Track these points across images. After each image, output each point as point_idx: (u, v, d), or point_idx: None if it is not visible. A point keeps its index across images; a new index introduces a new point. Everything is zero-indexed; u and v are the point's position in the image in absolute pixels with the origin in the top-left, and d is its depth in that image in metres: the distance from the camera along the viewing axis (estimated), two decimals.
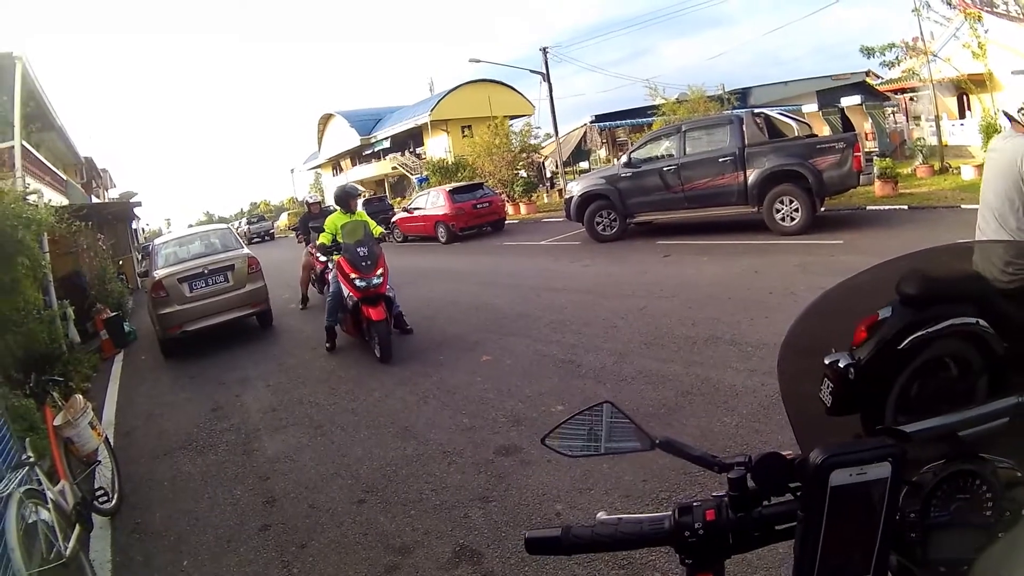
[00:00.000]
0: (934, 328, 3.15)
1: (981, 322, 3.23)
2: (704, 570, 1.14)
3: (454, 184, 26.75)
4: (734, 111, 19.95)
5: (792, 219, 13.79)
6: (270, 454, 6.13)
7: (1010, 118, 4.43)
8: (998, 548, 1.00)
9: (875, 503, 1.00)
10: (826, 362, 3.27)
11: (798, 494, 1.10)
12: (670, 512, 1.16)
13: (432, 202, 24.54)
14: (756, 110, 17.30)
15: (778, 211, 13.93)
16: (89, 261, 15.64)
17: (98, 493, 5.17)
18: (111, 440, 6.39)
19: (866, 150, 23.28)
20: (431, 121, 47.34)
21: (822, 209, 14.64)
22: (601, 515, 1.22)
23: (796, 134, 15.58)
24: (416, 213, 24.84)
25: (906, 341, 3.11)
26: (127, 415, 8.14)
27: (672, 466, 4.40)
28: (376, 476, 5.31)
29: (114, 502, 5.38)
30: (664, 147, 16.10)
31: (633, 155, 16.70)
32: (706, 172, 14.91)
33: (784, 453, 1.14)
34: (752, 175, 14.23)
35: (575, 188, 17.61)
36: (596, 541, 1.19)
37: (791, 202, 13.76)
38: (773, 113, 16.57)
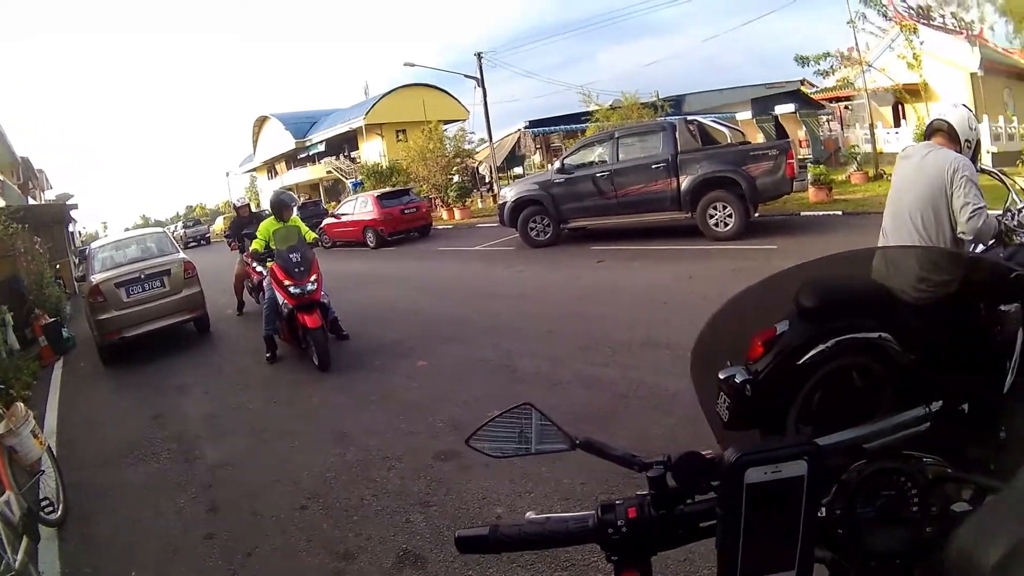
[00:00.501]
0: (834, 342, 3.24)
1: (884, 335, 3.32)
2: (630, 567, 1.15)
3: (382, 190, 26.89)
4: (667, 118, 20.14)
5: (726, 225, 13.91)
6: (211, 461, 6.09)
7: (942, 132, 4.48)
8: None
9: (793, 500, 1.01)
10: (721, 377, 3.34)
11: (717, 494, 1.10)
12: (594, 511, 1.17)
13: (360, 207, 24.54)
14: (689, 117, 17.54)
15: (711, 217, 14.04)
16: (27, 265, 15.11)
17: (43, 503, 5.06)
18: (54, 449, 6.26)
19: (800, 157, 23.74)
20: (366, 125, 46.87)
21: (756, 215, 14.77)
22: (530, 514, 1.26)
23: (729, 141, 15.80)
24: (344, 219, 24.61)
25: (805, 356, 3.19)
26: (69, 423, 7.97)
27: (611, 468, 4.51)
28: (317, 482, 5.32)
29: (60, 512, 5.27)
30: (597, 153, 16.11)
31: (566, 161, 16.68)
32: (639, 178, 14.95)
33: (705, 452, 1.14)
34: (685, 181, 14.29)
35: (508, 194, 17.52)
36: (523, 539, 1.21)
37: (724, 208, 13.88)
38: (706, 120, 16.81)
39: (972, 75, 22.97)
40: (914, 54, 21.26)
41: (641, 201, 15.05)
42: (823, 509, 1.10)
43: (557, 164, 17.39)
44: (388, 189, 27.06)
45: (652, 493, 1.15)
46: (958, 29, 24.32)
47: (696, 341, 1.63)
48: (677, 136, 14.63)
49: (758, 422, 3.72)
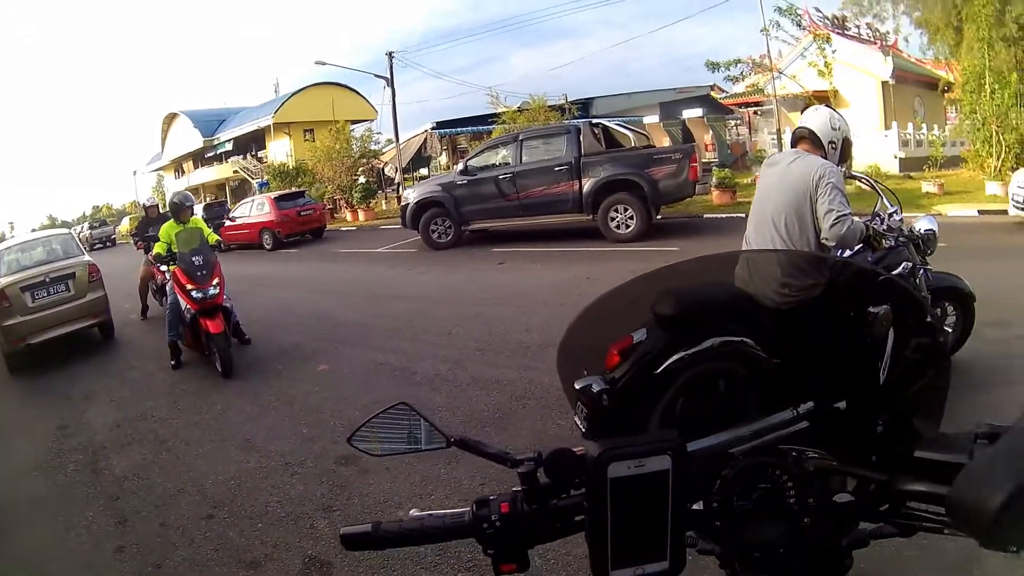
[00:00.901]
0: (694, 351, 3.44)
1: (747, 341, 3.53)
2: (506, 560, 1.15)
3: (278, 192, 26.82)
4: (571, 121, 20.29)
5: (627, 227, 14.16)
6: (118, 472, 6.05)
7: (807, 138, 4.50)
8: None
9: (659, 493, 1.01)
10: (577, 387, 3.55)
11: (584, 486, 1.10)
12: (470, 507, 1.18)
13: (257, 209, 24.57)
14: (594, 120, 17.71)
15: (613, 219, 14.26)
16: None
17: None
18: None
19: (704, 160, 23.84)
20: (274, 124, 45.73)
21: (658, 217, 14.99)
22: (413, 511, 1.33)
23: (633, 144, 16.03)
24: (239, 221, 23.87)
25: (663, 365, 3.41)
26: None
27: (509, 470, 4.70)
28: (222, 490, 5.37)
29: None
30: (501, 155, 16.23)
31: (469, 163, 16.73)
32: (542, 181, 15.05)
33: (576, 449, 1.14)
34: (587, 184, 14.48)
35: (411, 195, 17.48)
36: (404, 535, 1.22)
37: (626, 210, 14.12)
38: (611, 124, 16.98)
39: (884, 83, 23.81)
40: (825, 62, 21.88)
41: (543, 203, 15.17)
42: (701, 502, 1.11)
43: (460, 166, 17.49)
44: (284, 191, 26.93)
45: (524, 488, 1.16)
46: (872, 39, 25.09)
47: (561, 341, 1.65)
48: (581, 139, 14.80)
49: (617, 432, 3.85)
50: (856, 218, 4.37)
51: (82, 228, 50.02)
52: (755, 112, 29.03)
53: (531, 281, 11.61)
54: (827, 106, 4.79)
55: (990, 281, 6.68)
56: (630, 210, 14.10)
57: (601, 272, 11.17)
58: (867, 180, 5.66)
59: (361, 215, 30.18)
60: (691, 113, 29.68)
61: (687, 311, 3.63)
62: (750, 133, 30.51)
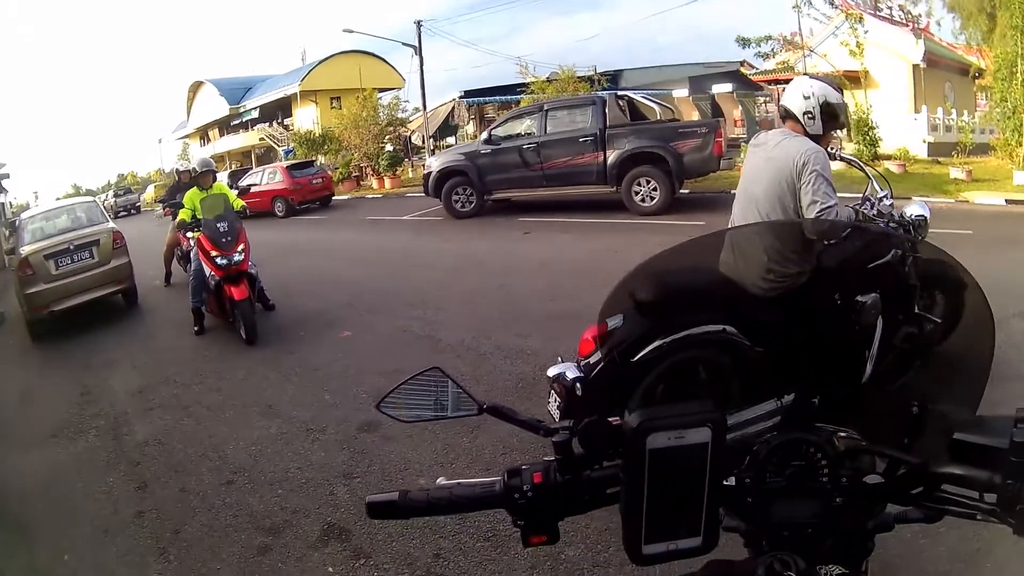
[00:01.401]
0: (672, 339, 3.29)
1: (730, 330, 3.39)
2: (536, 532, 1.15)
3: (290, 161, 27.79)
4: (598, 92, 20.09)
5: (651, 200, 14.03)
6: (139, 438, 6.06)
7: (790, 116, 4.09)
8: None
9: (697, 466, 1.00)
10: (550, 375, 3.42)
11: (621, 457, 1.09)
12: (501, 476, 1.17)
13: (269, 178, 25.14)
14: (620, 92, 17.56)
15: (636, 192, 14.12)
16: None
17: None
18: None
19: (734, 136, 23.97)
20: (300, 91, 45.67)
21: (683, 191, 14.90)
22: (440, 480, 1.31)
23: (659, 117, 15.86)
24: (253, 190, 23.29)
25: (640, 354, 3.23)
26: None
27: (532, 439, 4.62)
28: (243, 456, 5.36)
29: None
30: (525, 125, 16.03)
31: (493, 132, 16.50)
32: (566, 151, 14.90)
33: (611, 419, 1.13)
34: (612, 156, 14.31)
35: (434, 164, 17.34)
36: (432, 504, 1.20)
37: (649, 183, 13.98)
38: (637, 96, 16.87)
39: (915, 67, 23.38)
40: (857, 42, 21.38)
41: (567, 174, 15.04)
42: (733, 478, 1.10)
43: (484, 135, 17.18)
44: (296, 161, 27.72)
45: (558, 459, 1.15)
46: (904, 21, 24.67)
47: (600, 316, 1.69)
48: (607, 110, 14.63)
49: None
50: (847, 207, 4.24)
51: (107, 196, 50.33)
52: (784, 89, 28.62)
53: (556, 251, 11.50)
54: (805, 75, 4.39)
55: (1016, 270, 6.53)
56: (654, 183, 13.95)
57: (628, 244, 11.03)
58: (857, 162, 5.36)
59: (387, 183, 30.08)
60: (720, 88, 29.19)
61: (666, 297, 3.45)
62: (778, 110, 29.95)
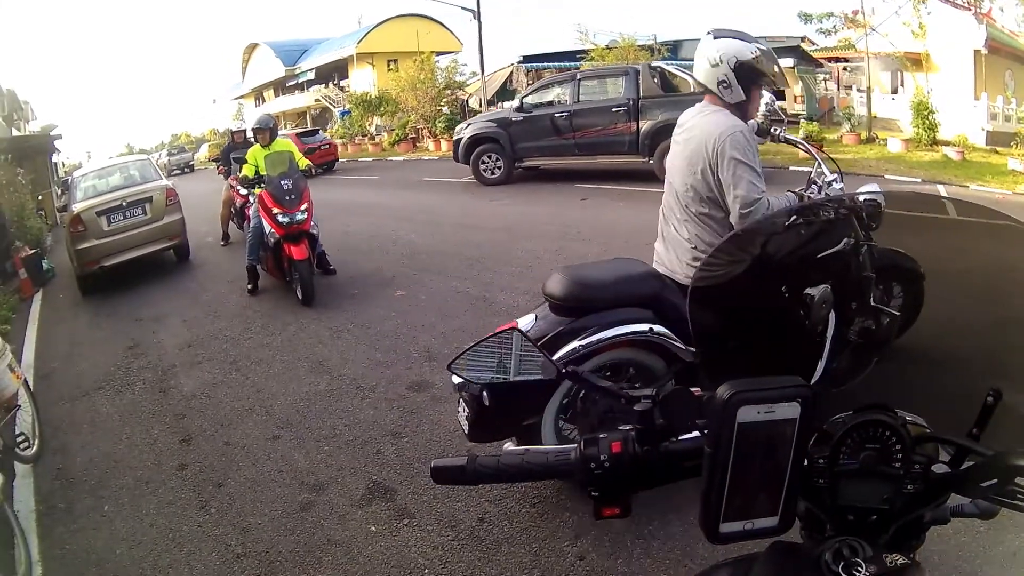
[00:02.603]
0: (589, 341, 3.01)
1: (657, 329, 3.09)
2: (610, 504, 1.14)
3: (299, 130, 30.82)
4: (632, 64, 19.82)
5: None
6: (186, 391, 6.06)
7: (706, 90, 3.48)
8: None
9: (783, 443, 0.99)
10: (456, 381, 3.13)
11: (706, 432, 1.06)
12: (576, 445, 1.15)
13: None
14: (653, 63, 17.34)
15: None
16: (8, 198, 14.88)
17: (19, 439, 4.96)
18: (31, 383, 6.19)
19: (793, 112, 23.78)
20: (357, 54, 46.05)
21: None
22: (508, 445, 1.24)
23: (692, 90, 15.61)
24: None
25: (554, 357, 2.94)
26: (46, 356, 7.90)
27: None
28: (290, 412, 5.32)
29: (35, 448, 5.21)
30: (556, 93, 16.05)
31: (525, 100, 16.59)
32: (599, 120, 14.91)
33: (693, 390, 1.13)
34: (645, 126, 14.31)
35: (465, 130, 17.34)
36: (501, 471, 1.19)
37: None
38: (671, 67, 16.63)
39: (976, 52, 22.65)
40: (920, 23, 20.91)
41: (600, 143, 15.09)
42: (806, 458, 1.06)
43: (515, 102, 17.46)
44: (302, 130, 30.25)
45: (637, 428, 1.13)
46: (966, 5, 23.88)
47: (695, 275, 1.55)
48: (640, 81, 14.58)
49: (505, 431, 3.46)
50: (789, 192, 3.78)
51: (160, 155, 51.18)
52: (844, 68, 28.10)
53: (614, 219, 11.28)
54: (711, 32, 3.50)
55: None
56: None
57: None
58: (802, 144, 4.61)
59: (444, 145, 29.99)
60: (781, 62, 28.44)
61: (581, 295, 3.20)
62: (838, 89, 29.77)
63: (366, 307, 7.66)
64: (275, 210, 7.99)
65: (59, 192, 20.82)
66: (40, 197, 19.99)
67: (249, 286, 8.97)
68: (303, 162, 8.99)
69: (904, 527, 1.09)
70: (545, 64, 34.69)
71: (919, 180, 14.71)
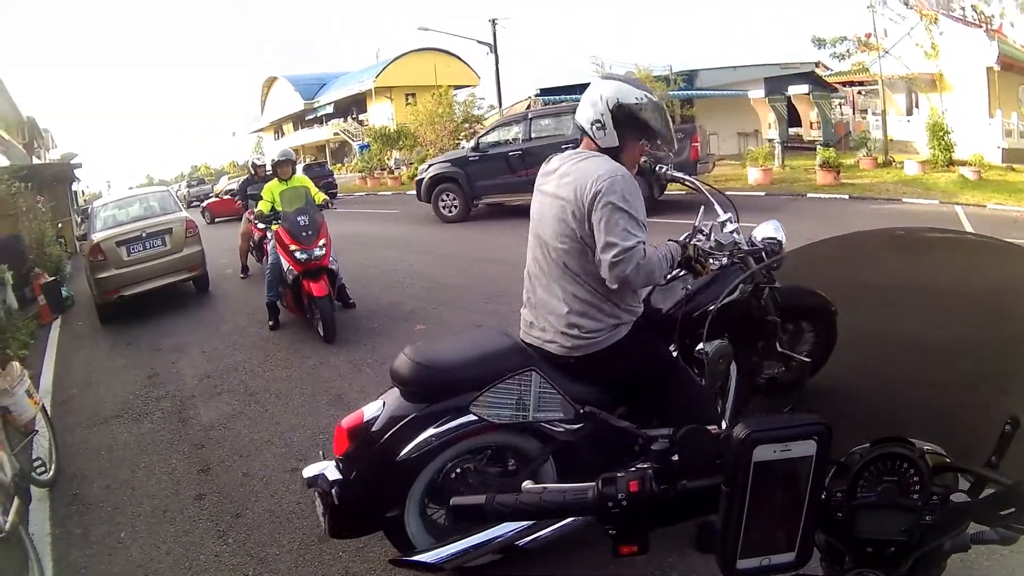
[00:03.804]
0: (443, 429, 2.85)
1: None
2: (628, 542, 1.14)
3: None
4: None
5: None
6: (205, 422, 6.09)
7: (583, 132, 3.17)
8: None
9: (799, 481, 1.00)
10: (306, 476, 3.04)
11: (723, 470, 1.08)
12: (593, 483, 1.16)
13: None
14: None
15: None
16: (28, 224, 15.04)
17: (36, 464, 5.07)
18: (48, 409, 6.25)
19: (809, 139, 23.80)
20: (375, 88, 46.94)
21: (658, 196, 15.11)
22: (527, 484, 1.23)
23: None
24: (225, 197, 27.94)
25: (407, 448, 2.84)
26: (64, 383, 7.96)
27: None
28: (309, 444, 5.31)
29: (52, 473, 5.27)
30: (512, 132, 16.83)
31: (481, 140, 17.49)
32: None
33: (710, 428, 1.16)
34: None
35: (427, 171, 18.20)
36: (519, 510, 1.21)
37: None
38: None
39: (988, 69, 22.73)
40: (932, 43, 21.03)
41: None
42: (824, 491, 1.08)
43: (472, 143, 18.35)
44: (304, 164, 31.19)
45: (655, 467, 1.15)
46: (977, 22, 23.99)
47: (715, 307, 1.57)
48: None
49: (367, 526, 3.24)
50: (672, 241, 3.33)
51: (180, 186, 51.67)
52: (859, 92, 28.26)
53: None
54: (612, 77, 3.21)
55: None
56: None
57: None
58: (690, 181, 4.26)
59: None
60: (796, 89, 28.88)
61: (432, 379, 2.94)
62: (853, 113, 30.13)
63: (386, 341, 7.65)
64: (292, 247, 7.98)
65: (79, 221, 21.06)
66: (60, 225, 20.22)
67: (270, 323, 8.94)
68: (319, 196, 9.02)
69: (924, 557, 1.11)
70: (563, 96, 34.77)
71: (936, 201, 14.80)
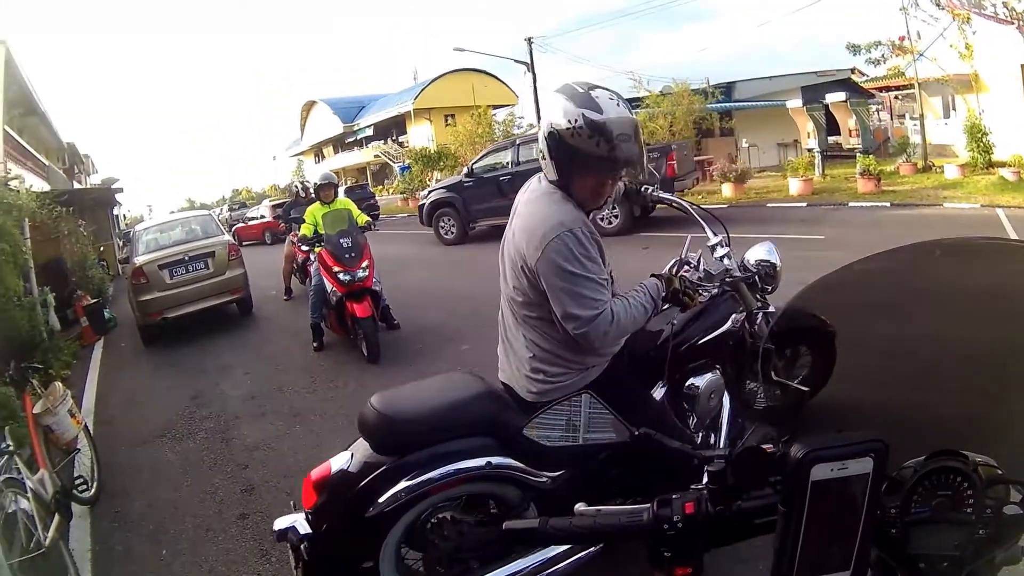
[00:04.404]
0: (416, 482, 2.70)
1: (495, 462, 2.68)
2: (683, 563, 1.14)
3: (276, 200, 33.99)
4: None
5: (613, 221, 15.06)
6: (249, 442, 6.10)
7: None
8: None
9: (856, 498, 0.99)
10: (276, 528, 2.91)
11: (778, 488, 1.09)
12: (649, 505, 1.16)
13: (260, 214, 33.76)
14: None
15: (601, 216, 14.43)
16: (70, 247, 15.38)
17: (77, 482, 5.13)
18: (91, 428, 6.35)
19: (848, 147, 23.42)
20: (414, 109, 47.34)
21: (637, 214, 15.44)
22: (580, 506, 1.24)
23: None
24: (251, 223, 33.67)
25: (378, 502, 2.71)
26: (107, 403, 8.06)
27: None
28: None
29: (93, 491, 5.32)
30: (501, 158, 17.96)
31: (474, 166, 18.60)
32: None
33: (764, 446, 1.14)
34: None
35: (428, 196, 19.54)
36: (573, 533, 1.19)
37: (613, 208, 14.35)
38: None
39: (1023, 67, 22.37)
40: (966, 43, 20.81)
41: None
42: (878, 508, 1.06)
43: (466, 169, 19.42)
44: (278, 200, 32.47)
45: (710, 487, 1.15)
46: (1009, 19, 23.66)
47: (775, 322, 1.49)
48: None
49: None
50: (652, 278, 2.91)
51: (222, 210, 52.54)
52: (896, 97, 27.97)
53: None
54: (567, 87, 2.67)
55: None
56: (615, 206, 14.22)
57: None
58: (678, 203, 3.75)
59: None
60: (834, 97, 28.46)
61: (398, 431, 2.78)
62: (891, 118, 29.89)
63: (432, 361, 7.62)
64: (335, 268, 8.06)
65: (121, 244, 21.43)
66: (102, 248, 20.67)
67: (314, 344, 8.98)
68: (362, 218, 9.11)
69: (975, 569, 1.08)
70: None
71: (977, 205, 14.56)
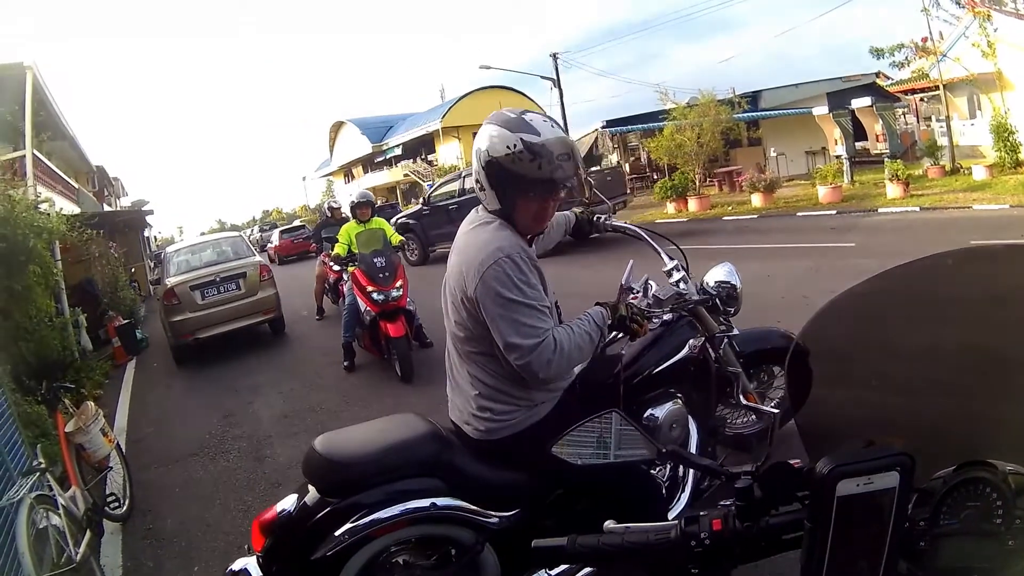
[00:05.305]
0: (360, 524, 2.63)
1: (441, 503, 2.59)
2: None
3: (285, 225, 40.91)
4: None
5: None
6: (282, 461, 6.10)
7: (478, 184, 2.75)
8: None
9: (883, 513, 1.01)
10: (229, 570, 2.86)
11: (805, 503, 1.11)
12: (676, 522, 1.18)
13: (268, 239, 38.82)
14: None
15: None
16: (101, 269, 15.73)
17: (109, 499, 5.18)
18: (123, 446, 6.40)
19: (875, 152, 23.48)
20: (442, 128, 47.47)
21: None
22: (608, 524, 1.25)
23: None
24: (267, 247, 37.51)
25: (326, 547, 2.64)
26: (139, 422, 8.14)
27: None
28: None
29: (125, 508, 5.38)
30: (453, 188, 19.94)
31: (432, 195, 20.67)
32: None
33: (792, 462, 1.15)
34: None
35: (396, 222, 20.28)
36: (601, 551, 1.21)
37: (565, 236, 14.76)
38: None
39: None
40: (988, 42, 20.60)
41: None
42: (907, 521, 1.08)
43: (424, 198, 21.60)
44: (287, 226, 38.41)
45: (737, 504, 1.17)
46: None
47: (799, 336, 1.42)
48: None
49: None
50: (597, 307, 2.79)
51: (252, 231, 53.12)
52: (921, 99, 27.64)
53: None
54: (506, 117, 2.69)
55: None
56: (567, 235, 14.88)
57: (781, 269, 10.50)
58: (632, 230, 3.75)
59: None
60: (859, 102, 28.10)
61: (339, 475, 2.71)
62: (918, 121, 29.49)
63: None
64: (369, 288, 8.08)
65: (151, 265, 21.73)
66: (133, 270, 21.06)
67: (345, 363, 8.96)
68: (395, 238, 9.16)
69: None
70: (629, 127, 34.93)
71: (1007, 206, 14.31)
